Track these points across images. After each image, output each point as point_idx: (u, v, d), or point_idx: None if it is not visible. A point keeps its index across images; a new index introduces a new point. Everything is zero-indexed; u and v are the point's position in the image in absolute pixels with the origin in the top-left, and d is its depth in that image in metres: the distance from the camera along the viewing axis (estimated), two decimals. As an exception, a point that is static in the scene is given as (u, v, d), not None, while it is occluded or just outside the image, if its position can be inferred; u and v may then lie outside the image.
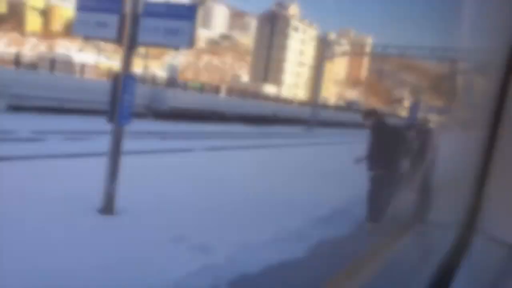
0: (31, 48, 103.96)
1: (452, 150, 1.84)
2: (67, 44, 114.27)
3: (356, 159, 7.46)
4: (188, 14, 6.12)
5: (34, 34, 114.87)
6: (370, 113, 7.55)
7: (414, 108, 22.62)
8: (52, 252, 4.76)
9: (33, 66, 25.96)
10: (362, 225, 7.36)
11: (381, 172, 7.00)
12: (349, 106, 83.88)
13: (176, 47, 6.63)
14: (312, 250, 5.91)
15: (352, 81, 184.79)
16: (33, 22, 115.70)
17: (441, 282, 1.13)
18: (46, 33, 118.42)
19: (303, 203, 8.42)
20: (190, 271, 4.65)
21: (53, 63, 25.62)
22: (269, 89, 78.46)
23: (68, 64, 28.61)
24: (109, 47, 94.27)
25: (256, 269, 4.99)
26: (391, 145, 7.03)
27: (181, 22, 6.12)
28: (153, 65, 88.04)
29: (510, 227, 1.51)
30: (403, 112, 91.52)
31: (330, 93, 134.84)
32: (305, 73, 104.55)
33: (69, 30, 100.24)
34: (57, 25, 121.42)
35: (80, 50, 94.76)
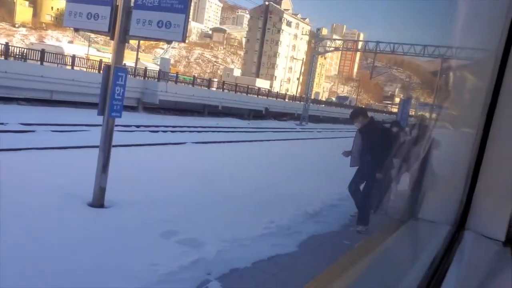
0: (20, 39, 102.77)
1: (443, 147, 1.86)
2: (58, 35, 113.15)
3: (345, 152, 7.29)
4: (181, 7, 6.07)
5: (23, 25, 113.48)
6: (358, 114, 7.14)
7: (405, 104, 22.69)
8: (41, 248, 4.73)
9: (22, 57, 25.62)
10: (352, 220, 7.41)
11: (370, 174, 6.78)
12: (341, 102, 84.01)
13: (169, 41, 6.59)
14: (301, 245, 5.94)
15: (344, 77, 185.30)
16: (22, 12, 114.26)
17: (432, 277, 1.14)
18: (36, 24, 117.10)
19: (294, 197, 8.44)
20: (180, 265, 4.65)
21: (43, 54, 25.31)
22: (262, 83, 78.34)
23: (58, 56, 28.26)
24: (100, 39, 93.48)
25: (245, 263, 5.01)
26: (381, 147, 6.70)
27: (173, 15, 6.07)
28: (144, 57, 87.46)
29: (500, 224, 1.53)
30: (394, 109, 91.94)
31: (322, 88, 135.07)
32: (298, 68, 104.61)
33: (60, 22, 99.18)
34: (47, 16, 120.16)
35: (70, 41, 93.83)
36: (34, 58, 25.44)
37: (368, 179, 6.94)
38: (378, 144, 6.77)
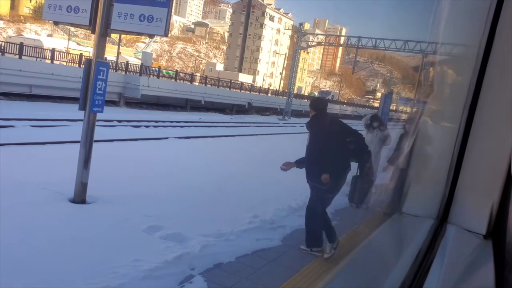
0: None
1: (425, 142, 1.89)
2: (36, 28, 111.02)
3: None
4: (163, 0, 6.00)
5: (1, 17, 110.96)
6: (311, 106, 5.51)
7: (386, 99, 22.91)
8: (19, 245, 4.66)
9: (0, 50, 25.05)
10: (335, 214, 7.46)
11: (327, 186, 5.17)
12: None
13: (151, 35, 6.52)
14: (285, 239, 5.97)
15: (326, 71, 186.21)
16: (0, 5, 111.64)
17: (418, 270, 1.16)
18: (14, 17, 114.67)
19: (278, 192, 8.46)
20: (164, 261, 4.63)
21: (21, 47, 24.79)
22: (244, 78, 78.16)
23: (37, 49, 27.73)
24: (80, 32, 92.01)
25: (229, 258, 5.01)
26: (339, 148, 5.18)
27: (156, 9, 6.00)
28: (126, 52, 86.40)
29: (481, 218, 1.56)
30: (376, 103, 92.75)
31: (305, 83, 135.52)
32: (280, 62, 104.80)
33: (39, 14, 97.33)
34: (25, 8, 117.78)
35: (50, 35, 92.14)
36: (12, 52, 24.90)
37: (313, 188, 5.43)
38: (336, 144, 5.24)
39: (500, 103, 1.49)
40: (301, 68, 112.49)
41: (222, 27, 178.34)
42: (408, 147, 1.98)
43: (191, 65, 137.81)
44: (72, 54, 30.92)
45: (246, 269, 4.82)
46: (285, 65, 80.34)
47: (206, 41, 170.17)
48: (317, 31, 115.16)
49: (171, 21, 6.33)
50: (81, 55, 29.60)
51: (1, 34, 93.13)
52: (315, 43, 47.93)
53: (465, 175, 1.57)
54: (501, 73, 1.49)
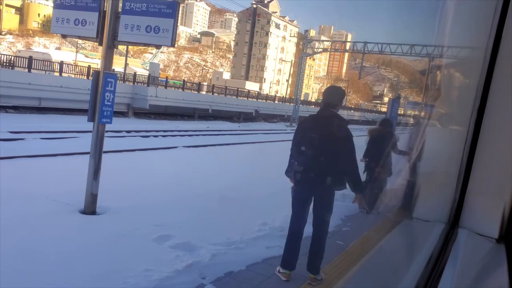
0: (7, 46, 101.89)
1: (435, 146, 1.88)
2: (45, 42, 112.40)
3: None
4: (169, 11, 6.06)
5: (10, 32, 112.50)
6: None
7: (394, 103, 22.81)
8: (32, 257, 4.68)
9: (10, 64, 25.36)
10: (346, 220, 7.42)
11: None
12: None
13: (158, 45, 6.56)
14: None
15: (333, 77, 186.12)
16: (9, 20, 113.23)
17: (430, 275, 1.14)
18: (23, 31, 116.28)
19: (287, 199, 8.42)
20: (174, 270, 4.62)
21: (30, 61, 25.08)
22: (251, 86, 78.34)
23: (46, 62, 28.04)
24: (88, 44, 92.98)
25: (240, 266, 4.99)
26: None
27: (162, 20, 6.06)
28: (133, 63, 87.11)
29: (493, 221, 1.54)
30: (384, 108, 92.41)
31: (312, 89, 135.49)
32: (287, 69, 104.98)
33: (47, 28, 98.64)
34: (34, 22, 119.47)
35: (58, 48, 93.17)
36: (21, 66, 25.21)
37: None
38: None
39: (509, 105, 1.47)
40: (307, 75, 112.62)
41: (228, 36, 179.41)
42: (417, 151, 1.96)
43: (198, 75, 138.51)
44: (80, 66, 31.24)
45: (257, 277, 4.80)
46: (291, 72, 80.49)
47: (213, 50, 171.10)
48: (323, 38, 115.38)
49: (177, 31, 6.39)
50: (89, 67, 29.88)
51: (11, 49, 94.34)
52: (321, 50, 47.95)
53: (475, 178, 1.56)
54: (509, 75, 1.48)
